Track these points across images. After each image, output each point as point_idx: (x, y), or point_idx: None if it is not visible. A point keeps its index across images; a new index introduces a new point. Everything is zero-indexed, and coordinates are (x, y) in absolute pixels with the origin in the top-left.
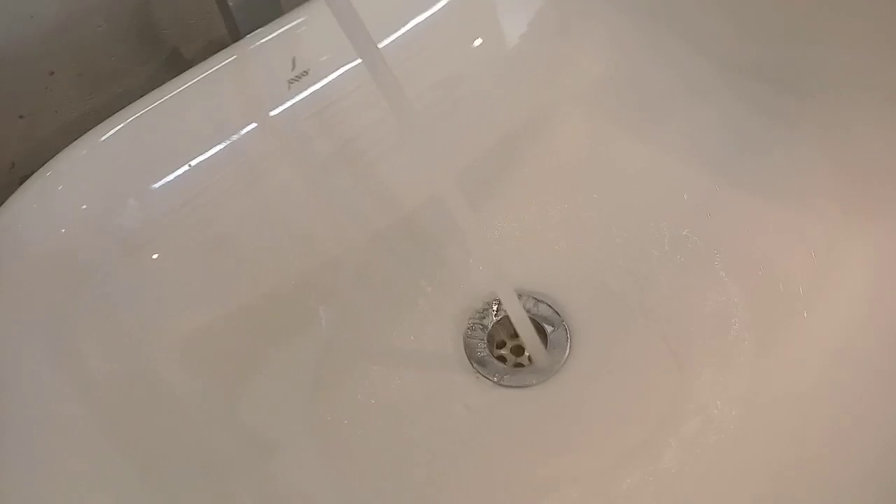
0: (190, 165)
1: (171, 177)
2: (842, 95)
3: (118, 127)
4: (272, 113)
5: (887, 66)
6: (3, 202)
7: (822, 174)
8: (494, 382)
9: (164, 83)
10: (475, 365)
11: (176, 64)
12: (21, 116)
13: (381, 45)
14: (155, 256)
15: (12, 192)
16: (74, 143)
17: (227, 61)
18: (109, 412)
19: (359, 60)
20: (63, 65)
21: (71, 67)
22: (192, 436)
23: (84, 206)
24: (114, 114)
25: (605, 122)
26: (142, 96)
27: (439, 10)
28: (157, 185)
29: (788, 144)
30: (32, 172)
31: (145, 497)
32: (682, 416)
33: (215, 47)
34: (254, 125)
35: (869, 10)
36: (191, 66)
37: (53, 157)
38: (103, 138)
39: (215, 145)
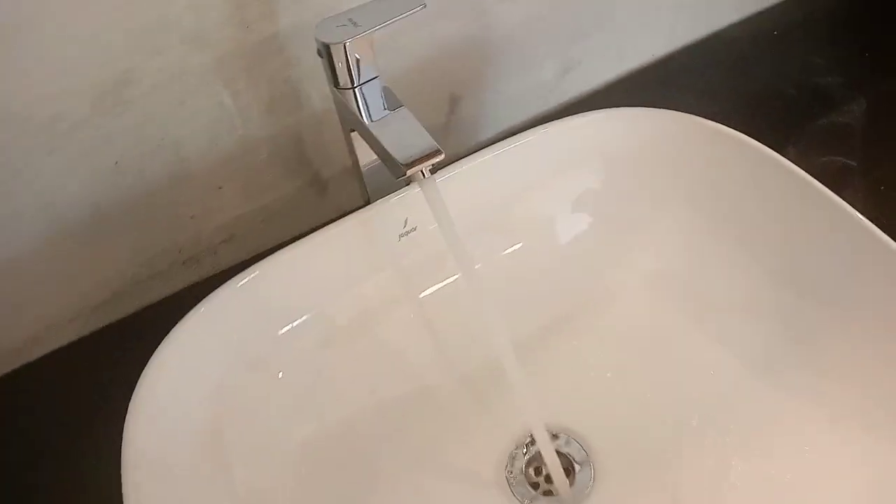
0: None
1: (300, 316)
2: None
3: (255, 274)
4: (386, 261)
5: None
6: (171, 277)
7: (832, 389)
8: None
9: (306, 196)
10: (510, 487)
11: (316, 183)
12: (192, 217)
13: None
14: (280, 375)
15: (178, 269)
16: (225, 285)
17: (354, 219)
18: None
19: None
20: (230, 181)
21: (236, 183)
22: None
23: (228, 338)
24: (263, 219)
25: (652, 305)
26: (283, 207)
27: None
28: (285, 329)
29: (815, 358)
30: (193, 256)
31: None
32: None
33: (348, 172)
34: (371, 272)
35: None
36: (328, 185)
37: (209, 255)
38: (241, 284)
39: (338, 288)
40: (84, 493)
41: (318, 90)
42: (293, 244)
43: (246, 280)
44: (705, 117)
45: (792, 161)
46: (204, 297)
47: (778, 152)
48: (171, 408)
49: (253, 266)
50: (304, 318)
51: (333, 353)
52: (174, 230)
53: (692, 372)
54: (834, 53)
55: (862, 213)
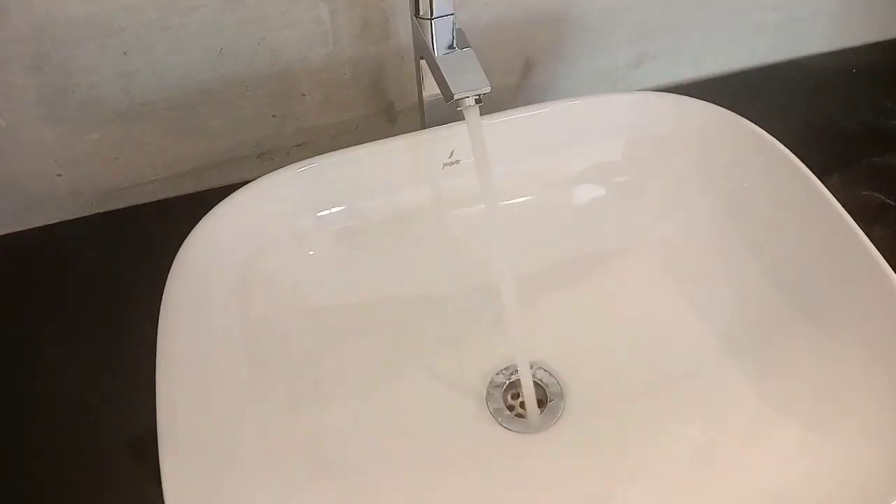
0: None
1: (340, 206)
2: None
3: (314, 164)
4: (426, 182)
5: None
6: (245, 166)
7: (793, 387)
8: (494, 419)
9: (376, 122)
10: (487, 402)
11: (388, 112)
12: (274, 116)
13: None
14: (311, 253)
15: (252, 161)
16: (287, 167)
17: (408, 140)
18: (252, 335)
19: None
20: (312, 91)
21: (318, 94)
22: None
23: (277, 210)
24: (334, 135)
25: (651, 272)
26: (354, 127)
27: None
28: (325, 212)
29: (782, 356)
30: (269, 151)
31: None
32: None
33: (416, 108)
34: (411, 187)
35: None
36: (398, 117)
37: (285, 150)
38: (300, 170)
39: (378, 192)
40: (133, 324)
41: (405, 26)
42: (351, 147)
43: (305, 168)
44: None
45: (833, 188)
46: None
47: (822, 178)
48: (214, 255)
49: (314, 157)
50: (342, 207)
51: (359, 246)
52: (256, 125)
53: (669, 339)
54: None
55: (887, 249)
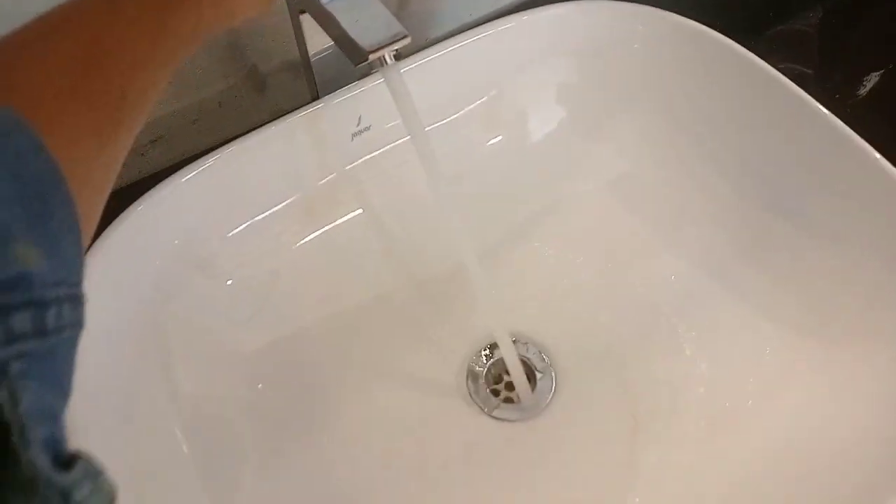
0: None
1: (247, 219)
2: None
3: (196, 172)
4: (338, 162)
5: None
6: None
7: (792, 298)
8: (485, 413)
9: (242, 93)
10: (471, 394)
11: (252, 78)
12: None
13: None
14: (229, 282)
15: None
16: (167, 181)
17: (303, 114)
18: (181, 400)
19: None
20: None
21: None
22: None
23: (174, 240)
24: (194, 119)
25: (616, 209)
26: (216, 105)
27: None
28: (234, 230)
29: (772, 265)
30: None
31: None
32: (630, 481)
33: (289, 67)
34: (321, 172)
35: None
36: (266, 81)
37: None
38: (185, 179)
39: (286, 190)
40: None
41: None
42: (240, 138)
43: (190, 175)
44: None
45: None
46: (130, 202)
47: None
48: (106, 307)
49: (194, 162)
50: (252, 220)
51: (285, 259)
52: None
53: (652, 277)
54: None
55: None
